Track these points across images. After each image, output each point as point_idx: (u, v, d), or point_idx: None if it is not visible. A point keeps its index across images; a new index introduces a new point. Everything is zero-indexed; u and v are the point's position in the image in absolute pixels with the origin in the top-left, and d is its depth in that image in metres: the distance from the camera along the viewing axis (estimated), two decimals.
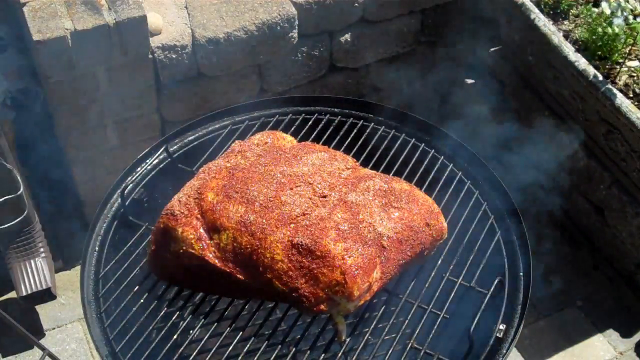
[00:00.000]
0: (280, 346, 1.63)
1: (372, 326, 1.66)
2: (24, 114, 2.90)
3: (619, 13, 2.84)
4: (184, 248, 1.62)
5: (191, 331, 1.72)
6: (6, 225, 2.56)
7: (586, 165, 2.95)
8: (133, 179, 1.97)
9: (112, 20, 2.41)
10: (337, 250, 1.54)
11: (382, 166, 1.95)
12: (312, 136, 2.03)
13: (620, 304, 2.96)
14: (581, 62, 2.81)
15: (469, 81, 3.45)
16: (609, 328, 2.89)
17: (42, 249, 2.72)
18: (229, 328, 1.66)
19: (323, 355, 1.60)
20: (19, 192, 2.52)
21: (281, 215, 1.60)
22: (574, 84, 2.86)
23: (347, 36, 3.02)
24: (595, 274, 3.05)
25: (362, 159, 1.95)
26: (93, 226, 1.88)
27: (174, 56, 2.64)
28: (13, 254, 2.68)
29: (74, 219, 3.06)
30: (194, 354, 1.61)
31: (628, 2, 2.96)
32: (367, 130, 2.05)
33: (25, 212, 2.61)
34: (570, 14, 3.06)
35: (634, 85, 2.79)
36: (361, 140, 2.02)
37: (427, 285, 1.70)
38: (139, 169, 2.00)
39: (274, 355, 1.60)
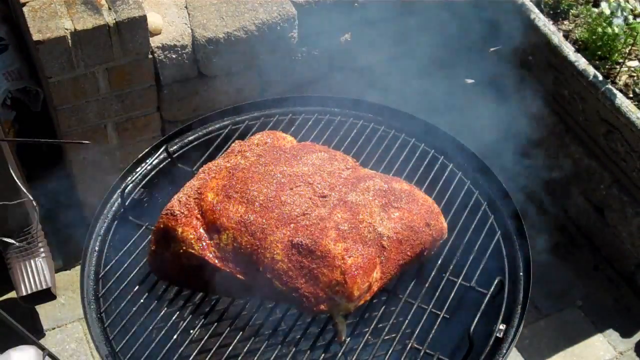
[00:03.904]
0: (280, 346, 1.63)
1: (372, 326, 1.66)
2: (24, 114, 2.90)
3: (619, 13, 2.84)
4: (184, 248, 1.62)
5: (191, 331, 1.72)
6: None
7: (586, 165, 2.95)
8: (133, 179, 1.97)
9: (112, 20, 2.41)
10: (337, 250, 1.54)
11: (382, 166, 1.95)
12: (312, 136, 2.03)
13: (620, 304, 2.96)
14: (581, 62, 2.82)
15: (469, 81, 3.45)
16: (609, 328, 2.89)
17: (42, 249, 2.72)
18: (229, 328, 1.66)
19: (323, 355, 1.60)
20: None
21: (281, 215, 1.60)
22: (574, 84, 2.86)
23: (347, 36, 3.02)
24: (595, 274, 3.05)
25: (362, 159, 1.95)
26: (93, 226, 1.88)
27: (174, 56, 2.64)
28: (13, 254, 2.68)
29: (74, 219, 3.06)
30: (194, 354, 1.61)
31: (628, 2, 2.96)
32: (367, 131, 2.05)
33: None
34: (570, 14, 3.07)
35: (634, 85, 2.79)
36: (361, 140, 2.02)
37: (427, 285, 1.70)
38: (139, 169, 2.00)
39: (274, 355, 1.60)
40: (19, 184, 2.57)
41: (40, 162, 3.12)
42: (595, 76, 2.75)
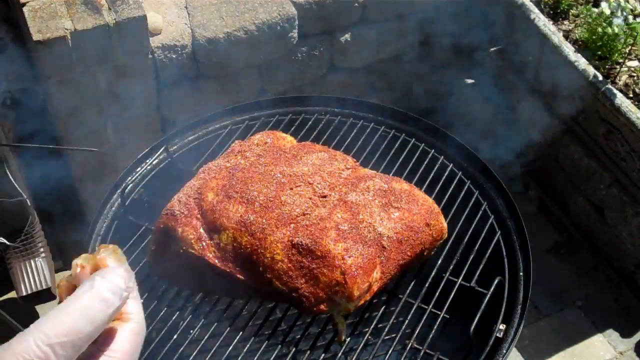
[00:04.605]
0: (280, 346, 1.63)
1: (372, 326, 1.66)
2: (24, 114, 2.90)
3: (619, 13, 2.84)
4: (184, 248, 1.61)
5: (191, 331, 1.72)
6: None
7: (586, 165, 2.95)
8: (133, 179, 1.97)
9: (112, 20, 2.41)
10: (337, 250, 1.54)
11: (382, 166, 1.95)
12: (312, 136, 2.03)
13: (620, 304, 2.96)
14: (581, 62, 2.82)
15: (469, 81, 3.45)
16: (609, 328, 2.89)
17: (42, 249, 2.72)
18: (229, 328, 1.66)
19: (323, 355, 1.60)
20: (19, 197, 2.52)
21: (281, 215, 1.60)
22: (574, 85, 2.86)
23: (347, 36, 3.02)
24: (595, 274, 3.05)
25: (362, 159, 1.95)
26: (93, 226, 1.88)
27: (174, 56, 2.64)
28: (13, 254, 2.68)
29: (74, 219, 3.06)
30: (194, 354, 1.61)
31: (628, 2, 2.96)
32: (367, 130, 2.05)
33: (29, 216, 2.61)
34: (570, 14, 3.07)
35: (634, 85, 2.79)
36: (361, 140, 2.02)
37: (427, 285, 1.70)
38: (139, 169, 1.99)
39: (274, 355, 1.60)
40: (18, 184, 2.57)
41: (40, 162, 3.11)
42: (595, 76, 2.75)
